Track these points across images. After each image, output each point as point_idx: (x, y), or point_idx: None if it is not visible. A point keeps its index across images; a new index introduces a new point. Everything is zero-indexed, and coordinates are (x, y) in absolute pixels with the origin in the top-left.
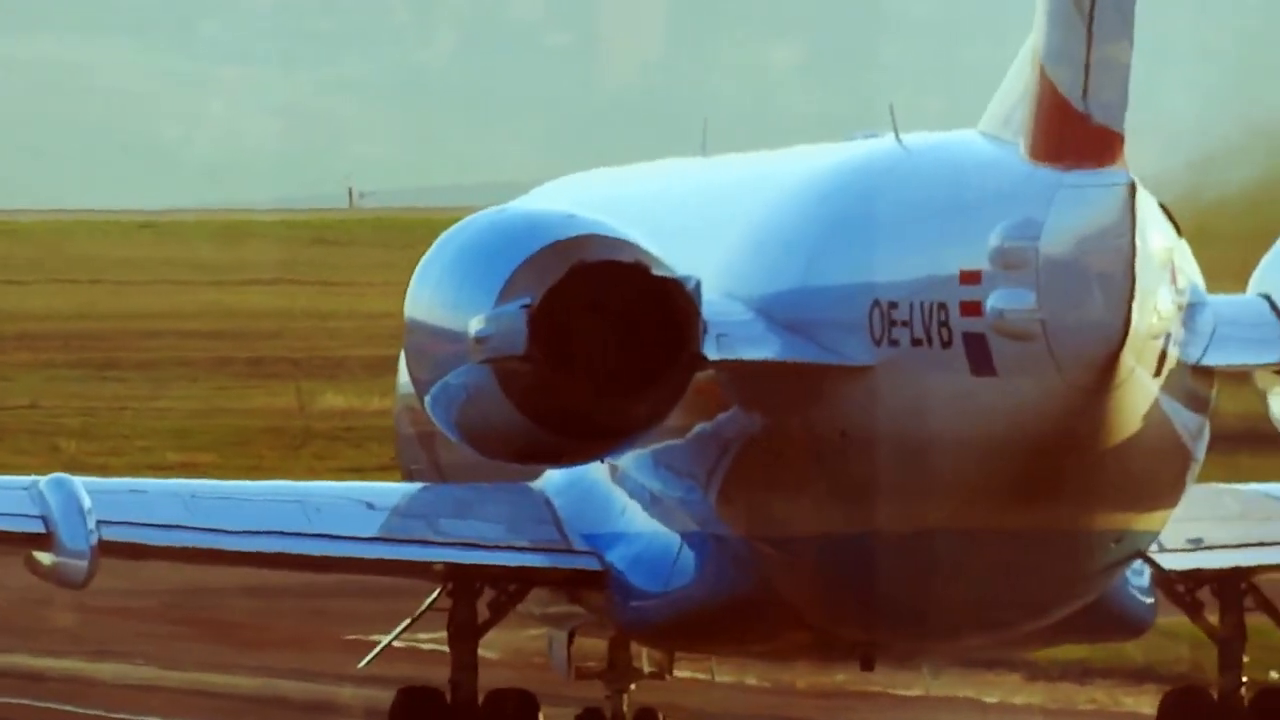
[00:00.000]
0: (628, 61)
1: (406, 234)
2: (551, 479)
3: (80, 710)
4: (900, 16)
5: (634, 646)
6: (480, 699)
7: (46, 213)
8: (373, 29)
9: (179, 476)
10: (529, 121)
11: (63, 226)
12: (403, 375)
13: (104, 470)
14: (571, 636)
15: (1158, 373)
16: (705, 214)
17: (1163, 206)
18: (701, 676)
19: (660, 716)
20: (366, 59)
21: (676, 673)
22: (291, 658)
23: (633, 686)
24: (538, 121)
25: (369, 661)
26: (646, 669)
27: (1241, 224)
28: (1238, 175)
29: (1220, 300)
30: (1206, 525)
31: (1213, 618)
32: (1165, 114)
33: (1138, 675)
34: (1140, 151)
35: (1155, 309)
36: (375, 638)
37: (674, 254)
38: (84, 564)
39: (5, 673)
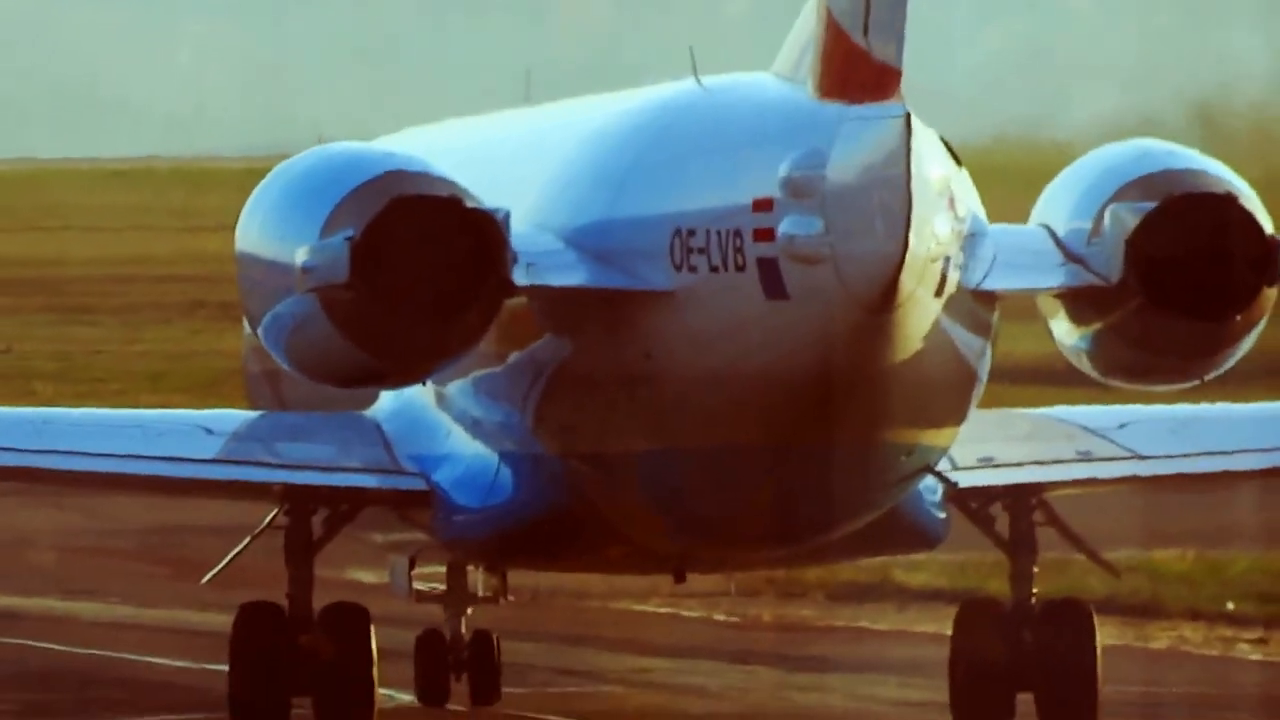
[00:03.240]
0: (582, 14)
1: None
2: (382, 406)
3: (57, 648)
4: None
5: (470, 573)
6: (316, 613)
7: (18, 161)
8: None
9: None
10: (491, 72)
11: (35, 175)
12: None
13: None
14: (412, 563)
15: (939, 294)
16: (525, 156)
17: (943, 139)
18: (665, 610)
19: (495, 638)
20: (329, 11)
21: (642, 607)
22: (262, 595)
23: (469, 610)
24: (500, 71)
25: (210, 579)
26: (482, 593)
27: None
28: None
29: (1002, 229)
30: (997, 445)
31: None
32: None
33: (1099, 606)
34: (1092, 93)
35: (933, 234)
36: (348, 575)
37: (496, 192)
38: None
39: None
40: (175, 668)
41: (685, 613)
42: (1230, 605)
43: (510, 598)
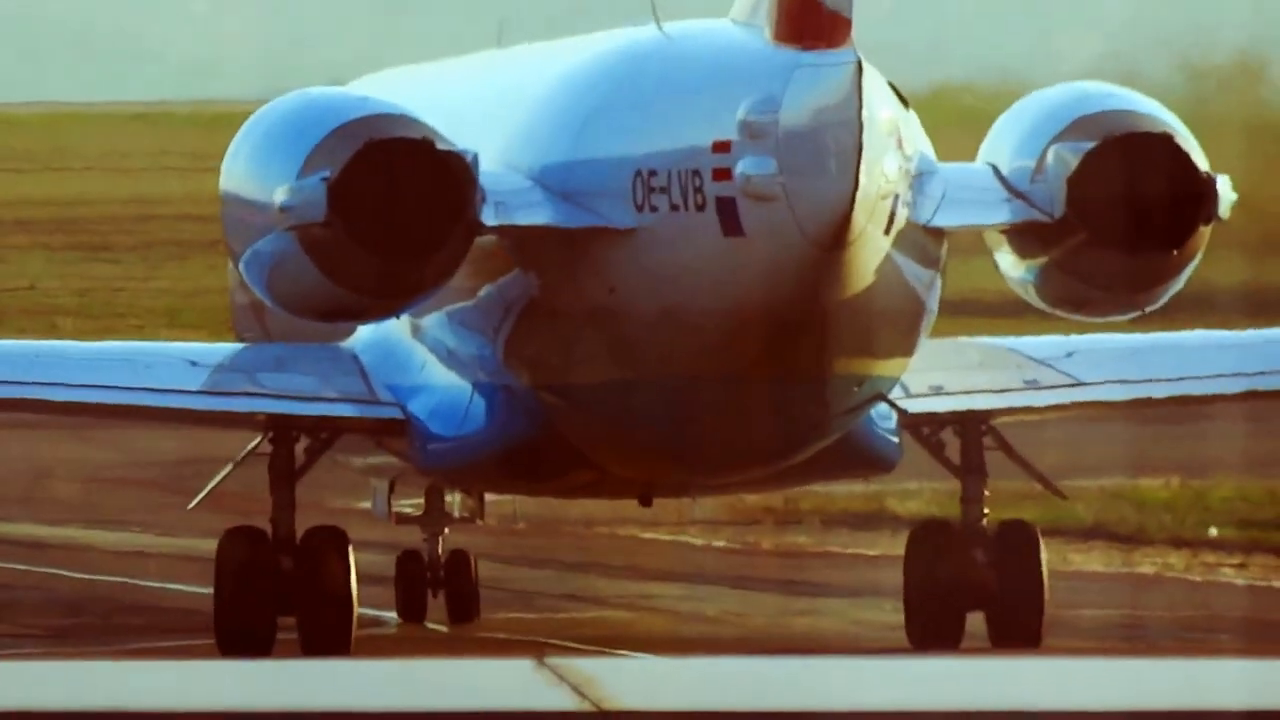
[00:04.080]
0: None
1: None
2: (360, 338)
3: (82, 575)
4: None
5: (448, 494)
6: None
7: (40, 105)
8: None
9: None
10: (502, 14)
11: (56, 119)
12: None
13: None
14: (392, 486)
15: (888, 231)
16: (497, 98)
17: (891, 84)
18: (668, 538)
19: (472, 557)
20: None
21: (646, 534)
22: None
23: (447, 530)
24: (512, 10)
25: (196, 504)
26: (459, 514)
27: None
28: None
29: (950, 168)
30: (948, 373)
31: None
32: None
33: (1086, 533)
34: (1079, 40)
35: (883, 173)
36: (362, 505)
37: (467, 133)
38: None
39: (8, 540)
40: (196, 594)
41: (688, 539)
42: (1213, 531)
43: (522, 525)
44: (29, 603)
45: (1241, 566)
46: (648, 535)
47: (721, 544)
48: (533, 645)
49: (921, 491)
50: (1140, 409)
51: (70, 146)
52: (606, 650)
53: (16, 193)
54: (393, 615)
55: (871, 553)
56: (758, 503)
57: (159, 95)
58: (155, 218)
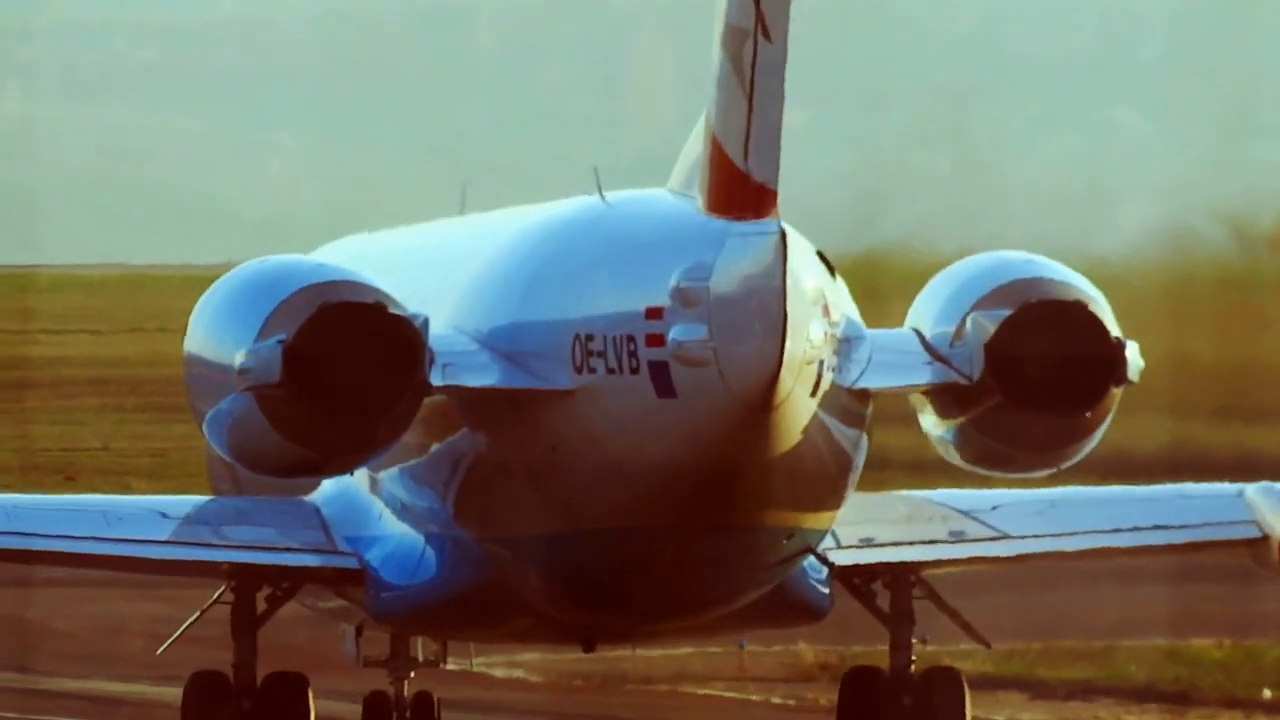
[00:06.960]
0: (649, 124)
1: None
2: (321, 491)
3: None
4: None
5: (413, 638)
6: (259, 682)
7: (117, 266)
8: (412, 94)
9: None
10: (557, 180)
11: (133, 279)
12: None
13: None
14: (359, 630)
15: (814, 393)
16: (447, 263)
17: (819, 253)
18: (728, 694)
19: (435, 699)
20: (409, 123)
21: (704, 690)
22: (344, 680)
23: (412, 674)
24: (565, 179)
25: (164, 650)
26: (423, 657)
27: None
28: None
29: (876, 333)
30: (878, 526)
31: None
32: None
33: (1139, 694)
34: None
35: (808, 339)
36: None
37: (420, 296)
38: None
39: (82, 697)
40: None
41: (746, 696)
42: (1266, 693)
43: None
44: None
45: None
46: (705, 691)
47: (778, 700)
48: None
49: (975, 652)
50: (1102, 560)
51: (145, 308)
52: None
53: (91, 353)
54: None
55: None
56: (815, 659)
57: (231, 257)
58: None
